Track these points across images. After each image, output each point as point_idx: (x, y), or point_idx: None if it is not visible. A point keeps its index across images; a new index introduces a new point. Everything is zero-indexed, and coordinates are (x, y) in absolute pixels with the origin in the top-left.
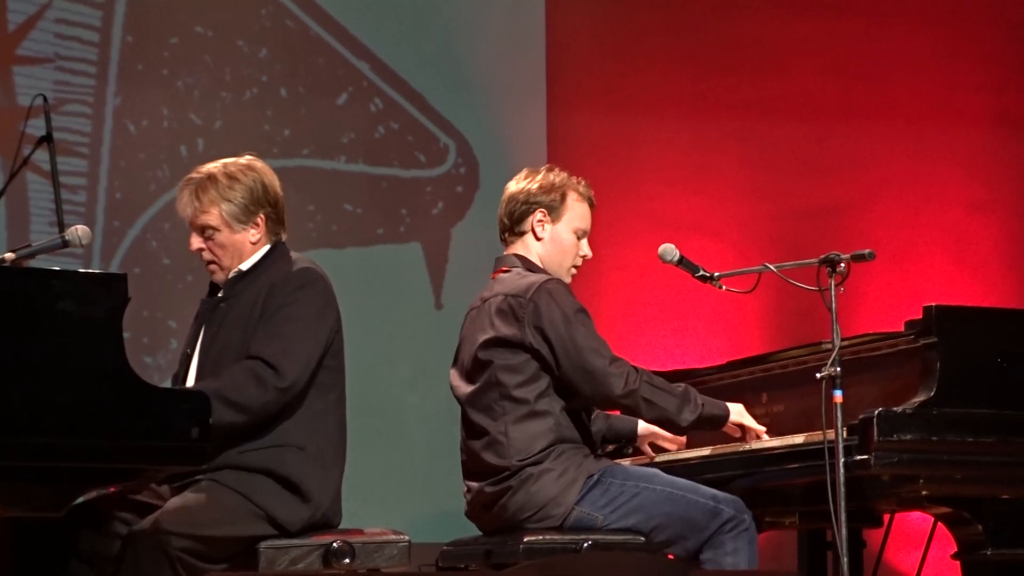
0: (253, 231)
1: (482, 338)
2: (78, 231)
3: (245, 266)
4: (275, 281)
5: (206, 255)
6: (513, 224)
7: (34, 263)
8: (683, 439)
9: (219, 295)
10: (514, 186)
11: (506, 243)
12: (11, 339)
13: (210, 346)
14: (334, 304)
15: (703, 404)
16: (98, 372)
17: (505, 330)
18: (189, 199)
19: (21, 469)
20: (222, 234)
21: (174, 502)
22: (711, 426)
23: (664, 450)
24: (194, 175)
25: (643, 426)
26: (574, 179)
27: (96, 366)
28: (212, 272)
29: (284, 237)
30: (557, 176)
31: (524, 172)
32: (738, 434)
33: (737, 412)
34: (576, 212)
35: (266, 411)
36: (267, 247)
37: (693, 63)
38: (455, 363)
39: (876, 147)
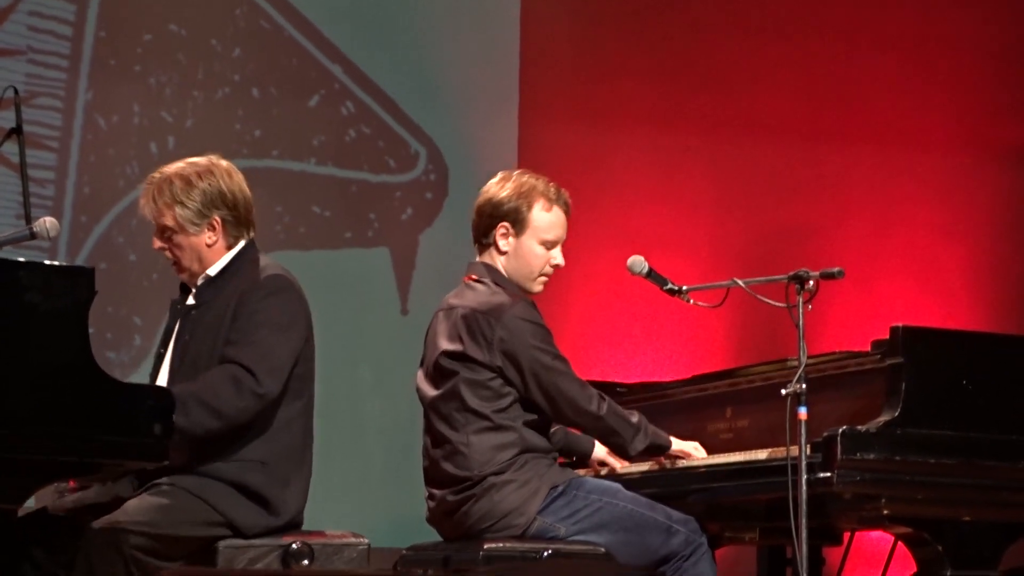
0: (209, 234)
1: (448, 347)
2: (46, 223)
3: (214, 271)
4: (244, 288)
5: (167, 254)
6: (480, 235)
7: (0, 254)
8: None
9: (190, 301)
10: (484, 194)
11: (477, 249)
12: None
13: (183, 353)
14: (305, 311)
15: (652, 434)
16: (62, 365)
17: (472, 349)
18: (147, 200)
19: None
20: (178, 236)
21: (132, 502)
22: (655, 454)
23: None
24: (154, 176)
25: (598, 450)
26: (544, 185)
27: (60, 359)
28: (176, 272)
29: (252, 235)
30: (526, 184)
31: (498, 176)
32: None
33: (679, 444)
34: (542, 223)
35: (243, 416)
36: (237, 249)
37: (666, 79)
38: (422, 364)
39: (845, 168)
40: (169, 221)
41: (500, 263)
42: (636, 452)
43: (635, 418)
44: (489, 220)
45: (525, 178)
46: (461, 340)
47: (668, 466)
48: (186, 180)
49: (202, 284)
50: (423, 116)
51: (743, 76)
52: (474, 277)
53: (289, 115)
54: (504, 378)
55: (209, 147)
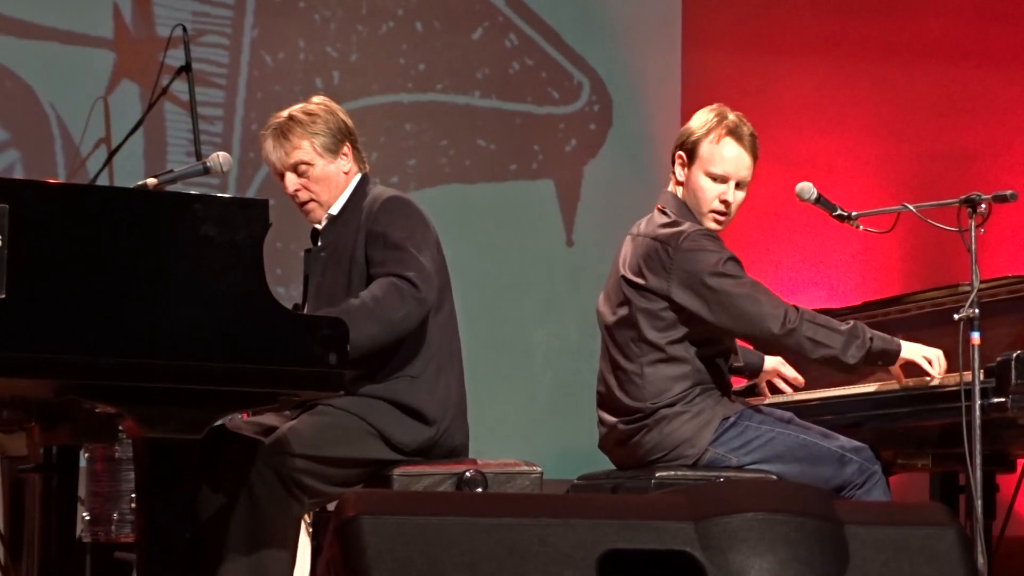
0: (343, 160)
1: (626, 274)
2: (219, 158)
3: (335, 209)
4: (365, 217)
5: (302, 195)
6: (671, 164)
7: (172, 190)
8: (800, 382)
9: (318, 244)
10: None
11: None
12: (153, 262)
13: (318, 294)
14: (428, 221)
15: (872, 339)
16: (238, 296)
17: (652, 279)
18: (275, 143)
19: (160, 391)
20: (316, 168)
21: (288, 425)
22: (883, 362)
23: (780, 391)
24: (270, 123)
25: (768, 364)
26: (725, 119)
27: (236, 291)
28: (309, 212)
29: (365, 170)
30: (712, 117)
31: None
32: (902, 379)
33: (910, 350)
34: (707, 154)
35: (407, 323)
36: (352, 186)
37: (831, 3)
38: (606, 286)
39: (1013, 91)
40: (306, 155)
41: (679, 193)
42: (854, 361)
43: (846, 325)
44: (674, 149)
45: (715, 112)
46: (640, 269)
47: (862, 391)
48: (310, 114)
49: (326, 225)
50: (586, 47)
51: None
52: (659, 206)
53: (453, 48)
54: (683, 308)
55: (373, 81)
